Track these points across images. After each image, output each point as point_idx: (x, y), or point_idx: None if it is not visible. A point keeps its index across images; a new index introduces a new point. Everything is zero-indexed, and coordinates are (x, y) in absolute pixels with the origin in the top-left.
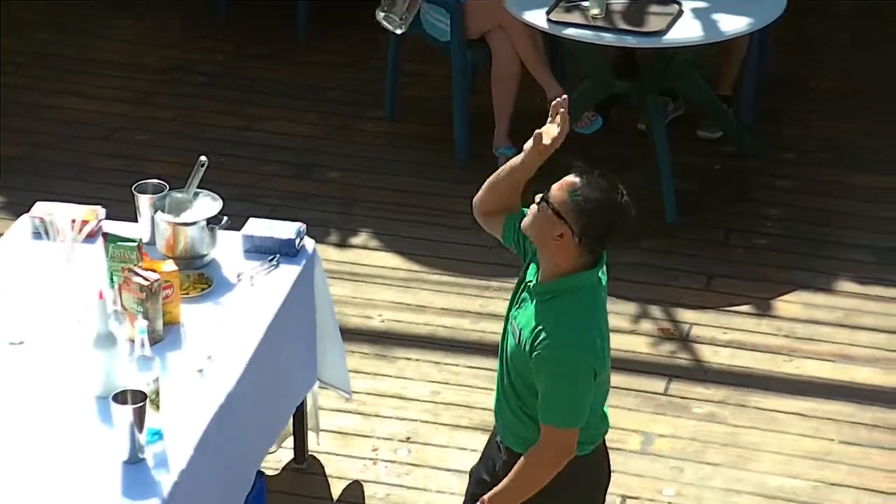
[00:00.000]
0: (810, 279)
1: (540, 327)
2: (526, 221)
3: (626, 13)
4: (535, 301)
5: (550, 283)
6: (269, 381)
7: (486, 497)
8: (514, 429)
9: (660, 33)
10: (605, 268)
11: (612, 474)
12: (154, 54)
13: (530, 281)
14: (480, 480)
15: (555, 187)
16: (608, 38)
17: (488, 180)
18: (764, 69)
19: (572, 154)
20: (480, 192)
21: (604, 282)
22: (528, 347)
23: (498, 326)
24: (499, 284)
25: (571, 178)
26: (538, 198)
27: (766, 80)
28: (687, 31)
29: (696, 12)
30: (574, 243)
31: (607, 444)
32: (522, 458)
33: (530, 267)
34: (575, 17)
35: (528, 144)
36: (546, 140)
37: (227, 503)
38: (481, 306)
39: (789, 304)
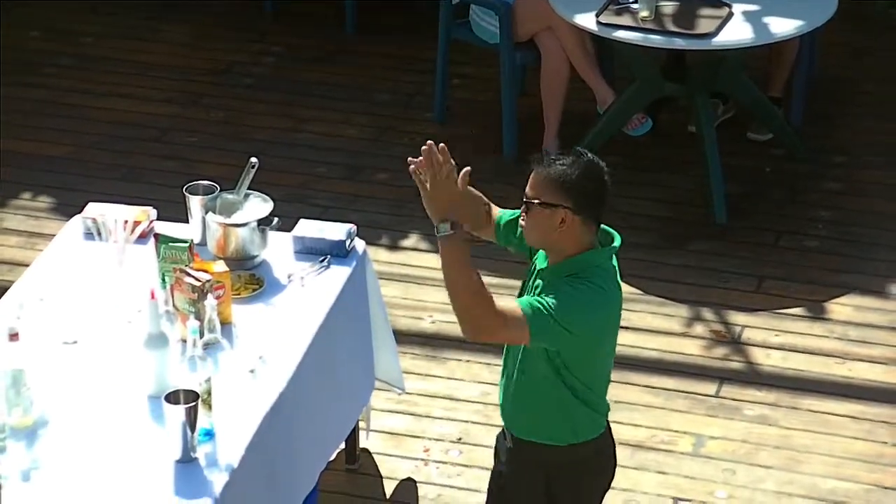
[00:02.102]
0: (862, 282)
1: (550, 293)
2: (526, 234)
3: (676, 15)
4: (547, 283)
5: (562, 264)
6: (324, 382)
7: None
8: (518, 416)
9: (709, 35)
10: (616, 263)
11: (617, 464)
12: (203, 56)
13: (542, 268)
14: (496, 470)
15: (529, 187)
16: (657, 41)
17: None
18: (814, 72)
19: (622, 156)
20: None
21: (616, 265)
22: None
23: None
24: None
25: (538, 170)
26: (522, 208)
27: (815, 82)
28: (737, 33)
29: (746, 14)
30: (577, 221)
31: (657, 445)
32: (486, 297)
33: (538, 255)
34: (624, 20)
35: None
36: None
37: (283, 503)
38: None
39: (841, 306)
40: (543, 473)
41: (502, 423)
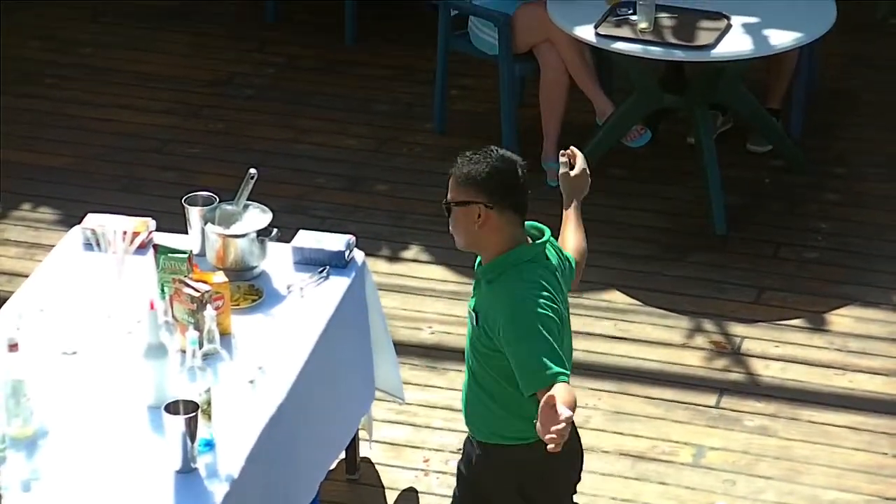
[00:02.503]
0: (862, 293)
1: (493, 302)
2: (455, 238)
3: (675, 27)
4: (483, 282)
5: (492, 262)
6: (324, 392)
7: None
8: (479, 419)
9: (708, 47)
10: (555, 248)
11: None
12: (204, 67)
13: (477, 266)
14: (459, 473)
15: (448, 191)
16: (656, 52)
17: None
18: (813, 83)
19: (622, 167)
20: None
21: (554, 261)
22: (486, 326)
23: None
24: None
25: (453, 172)
26: (445, 211)
27: (815, 93)
28: (735, 45)
29: (745, 26)
30: (494, 216)
31: (658, 456)
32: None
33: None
34: (623, 31)
35: None
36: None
37: None
38: None
39: (841, 317)
40: (514, 474)
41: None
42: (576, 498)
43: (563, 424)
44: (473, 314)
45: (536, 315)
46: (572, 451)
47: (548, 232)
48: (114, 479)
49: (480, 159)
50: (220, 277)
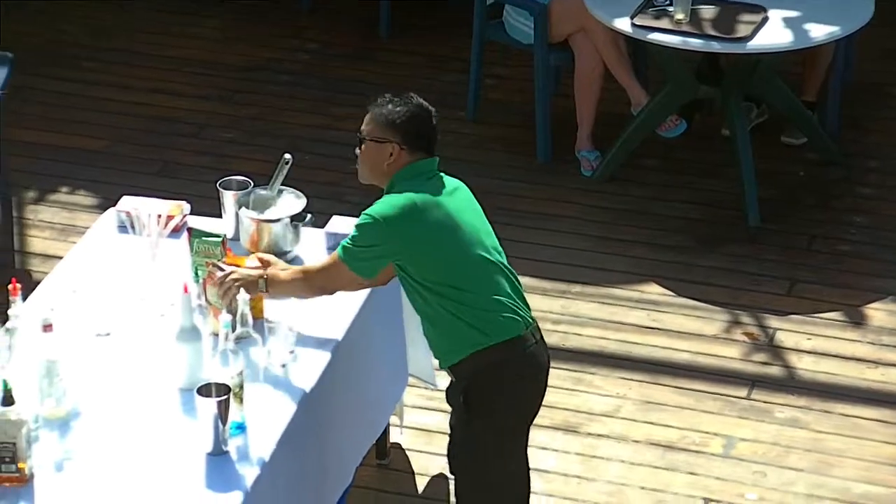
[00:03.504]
0: (895, 286)
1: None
2: (359, 169)
3: (712, 18)
4: None
5: (386, 187)
6: (357, 378)
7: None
8: (437, 344)
9: (745, 39)
10: (448, 177)
11: (550, 366)
12: (239, 52)
13: None
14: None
15: (363, 123)
16: (693, 43)
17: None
18: (849, 76)
19: (656, 158)
20: None
21: (454, 183)
22: None
23: (579, 328)
24: (580, 288)
25: (371, 108)
26: (357, 143)
27: (850, 87)
28: (772, 37)
29: (782, 19)
30: (404, 154)
31: (688, 446)
32: (303, 281)
33: None
34: (659, 22)
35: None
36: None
37: (318, 498)
38: (563, 307)
39: (874, 311)
40: (463, 384)
41: None
42: (605, 487)
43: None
44: None
45: (369, 215)
46: (527, 360)
47: (437, 161)
48: (145, 461)
49: (401, 102)
50: (252, 262)
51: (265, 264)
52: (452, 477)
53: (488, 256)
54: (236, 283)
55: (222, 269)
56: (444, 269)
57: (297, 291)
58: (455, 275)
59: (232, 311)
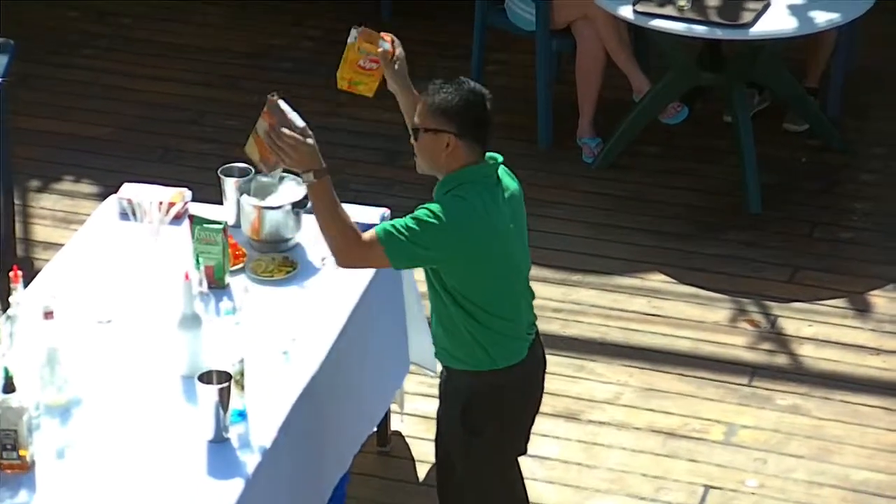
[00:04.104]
0: None
1: (417, 210)
2: (417, 160)
3: (714, 5)
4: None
5: (443, 181)
6: (358, 365)
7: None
8: (441, 341)
9: (747, 25)
10: (509, 176)
11: (544, 390)
12: (241, 39)
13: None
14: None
15: (417, 115)
16: (695, 30)
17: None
18: (851, 63)
19: (657, 145)
20: None
21: (511, 187)
22: None
23: (580, 316)
24: (581, 276)
25: (424, 98)
26: (413, 135)
27: (852, 73)
28: (774, 23)
29: (784, 5)
30: (461, 144)
31: (689, 433)
32: (344, 223)
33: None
34: (662, 8)
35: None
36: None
37: (317, 485)
38: (563, 295)
39: (876, 298)
40: (461, 399)
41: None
42: (606, 474)
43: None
44: None
45: (435, 215)
46: (527, 384)
47: (500, 158)
48: (146, 448)
49: (453, 90)
50: (385, 45)
51: (391, 51)
52: (435, 461)
53: (522, 288)
54: (289, 149)
55: (286, 119)
56: (480, 293)
57: (329, 221)
58: (488, 300)
59: (269, 170)
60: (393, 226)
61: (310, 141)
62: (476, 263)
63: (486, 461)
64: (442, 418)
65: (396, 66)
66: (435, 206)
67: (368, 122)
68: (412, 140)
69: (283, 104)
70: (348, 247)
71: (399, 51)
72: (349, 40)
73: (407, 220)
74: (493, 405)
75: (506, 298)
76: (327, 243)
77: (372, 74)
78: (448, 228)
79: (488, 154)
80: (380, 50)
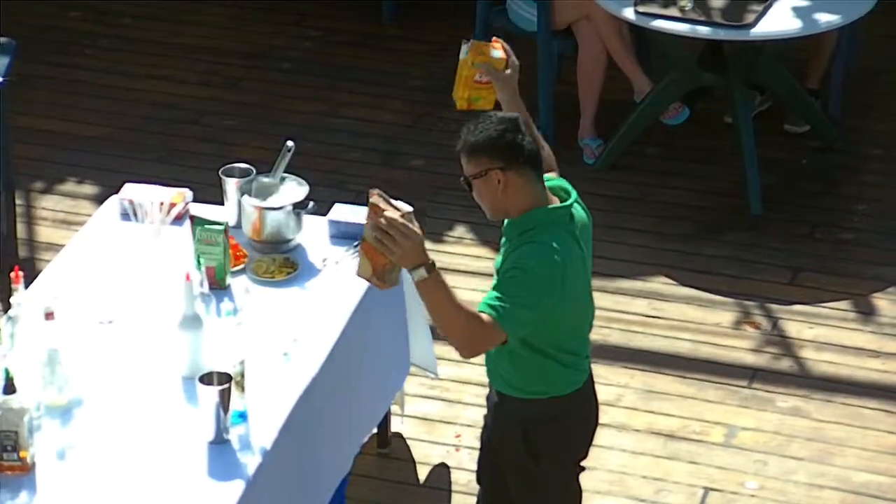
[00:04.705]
0: None
1: (512, 253)
2: (485, 210)
3: (715, 6)
4: (506, 240)
5: (517, 220)
6: (358, 366)
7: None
8: (496, 368)
9: (748, 26)
10: (582, 206)
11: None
12: (241, 39)
13: (504, 226)
14: (485, 423)
15: (463, 165)
16: (696, 31)
17: None
18: (852, 64)
19: (658, 146)
20: None
21: (578, 221)
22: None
23: None
24: None
25: (459, 149)
26: (467, 189)
27: (855, 73)
28: (776, 24)
29: (786, 5)
30: (513, 176)
31: (689, 435)
32: (464, 313)
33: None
34: (663, 9)
35: None
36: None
37: (317, 487)
38: None
39: (877, 299)
40: (522, 425)
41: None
42: (606, 476)
43: (387, 213)
44: (496, 272)
45: (524, 271)
46: (585, 409)
47: (574, 194)
48: (147, 449)
49: (482, 127)
50: (498, 52)
51: (505, 57)
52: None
53: (590, 321)
54: (400, 237)
55: (393, 209)
56: (553, 333)
57: (454, 314)
58: (560, 339)
59: (388, 282)
60: (497, 300)
61: (416, 229)
62: (553, 312)
63: (545, 484)
64: (496, 437)
65: (508, 72)
66: (521, 264)
67: (368, 122)
68: (468, 191)
69: (382, 198)
70: (475, 334)
71: (513, 58)
72: (461, 56)
73: (502, 288)
74: (554, 431)
75: (577, 334)
76: (451, 337)
77: (489, 87)
78: (543, 282)
79: (556, 182)
80: (495, 57)
